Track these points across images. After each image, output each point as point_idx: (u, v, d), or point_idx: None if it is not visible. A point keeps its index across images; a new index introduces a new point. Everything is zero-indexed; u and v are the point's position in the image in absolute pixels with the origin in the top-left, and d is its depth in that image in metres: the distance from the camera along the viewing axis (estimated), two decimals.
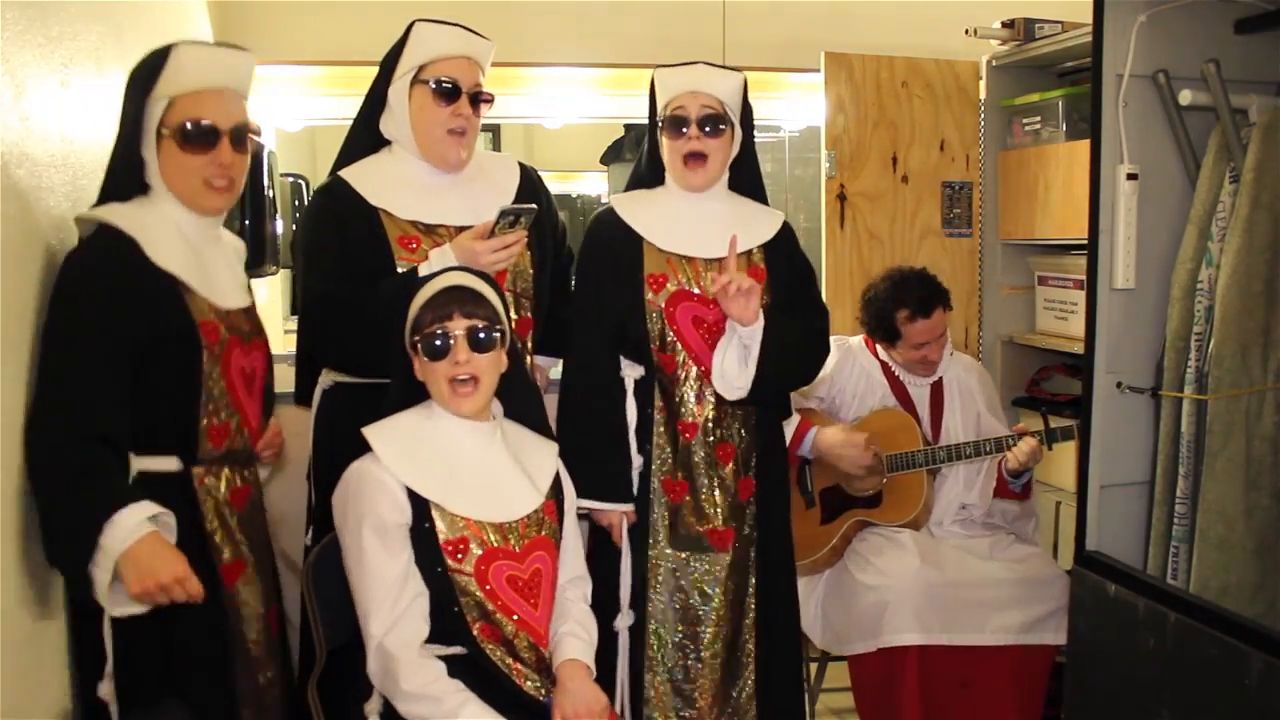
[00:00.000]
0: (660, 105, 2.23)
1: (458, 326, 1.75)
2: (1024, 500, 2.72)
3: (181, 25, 2.74)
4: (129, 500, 1.58)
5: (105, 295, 1.64)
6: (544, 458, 1.92)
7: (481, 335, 1.76)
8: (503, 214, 1.97)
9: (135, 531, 1.56)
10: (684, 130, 2.18)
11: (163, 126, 1.73)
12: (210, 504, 1.78)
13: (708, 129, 2.17)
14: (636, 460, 2.22)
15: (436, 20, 2.12)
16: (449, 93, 2.09)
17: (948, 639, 2.47)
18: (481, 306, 1.78)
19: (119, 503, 1.57)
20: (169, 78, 1.73)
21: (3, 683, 1.46)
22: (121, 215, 1.71)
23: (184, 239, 1.76)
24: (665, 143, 2.22)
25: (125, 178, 1.76)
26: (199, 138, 1.73)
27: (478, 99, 2.13)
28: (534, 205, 2.04)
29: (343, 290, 2.03)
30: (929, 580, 2.49)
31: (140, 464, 1.69)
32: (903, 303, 2.64)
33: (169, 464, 1.73)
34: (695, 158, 2.18)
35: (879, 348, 2.77)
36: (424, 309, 1.78)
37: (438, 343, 1.75)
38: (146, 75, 1.74)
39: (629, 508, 2.20)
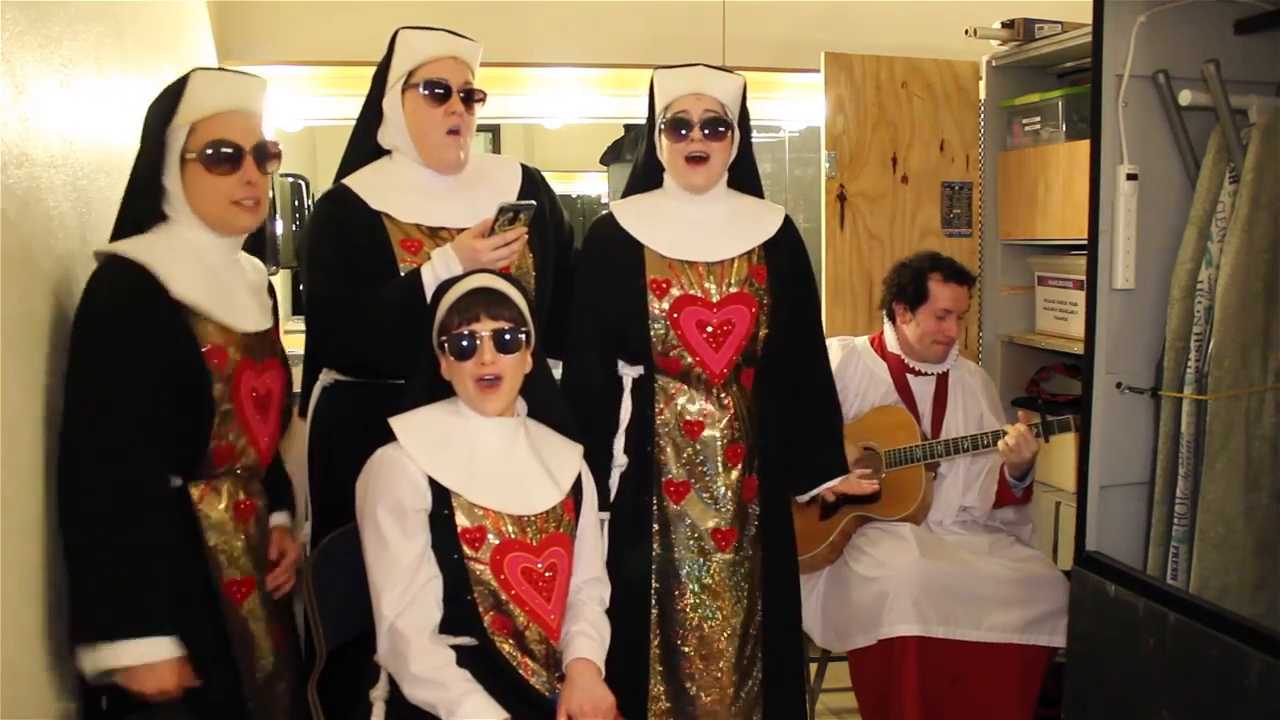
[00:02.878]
0: (660, 107, 2.21)
1: (484, 328, 1.80)
2: (1024, 504, 2.72)
3: (181, 25, 2.74)
4: (159, 629, 1.60)
5: (123, 334, 1.65)
6: (568, 458, 1.95)
7: (507, 337, 1.81)
8: (502, 210, 1.97)
9: (151, 657, 1.59)
10: (686, 133, 2.17)
11: (186, 151, 1.75)
12: (213, 521, 1.77)
13: (709, 131, 2.16)
14: (621, 460, 2.22)
15: (420, 27, 2.13)
16: (440, 93, 2.10)
17: (944, 632, 2.47)
18: (507, 308, 1.83)
19: (148, 630, 1.59)
20: (189, 103, 1.75)
21: (3, 682, 1.46)
22: (136, 247, 1.71)
23: (204, 264, 1.77)
24: (666, 144, 2.20)
25: (144, 208, 1.77)
26: (225, 158, 1.75)
27: (470, 96, 2.13)
28: (533, 201, 2.04)
29: (347, 294, 2.04)
30: (927, 571, 2.48)
31: None
32: (938, 266, 2.74)
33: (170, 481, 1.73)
34: (696, 159, 2.18)
35: (888, 340, 2.79)
36: (451, 310, 1.83)
37: (464, 344, 1.80)
38: (166, 104, 1.76)
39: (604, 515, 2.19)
